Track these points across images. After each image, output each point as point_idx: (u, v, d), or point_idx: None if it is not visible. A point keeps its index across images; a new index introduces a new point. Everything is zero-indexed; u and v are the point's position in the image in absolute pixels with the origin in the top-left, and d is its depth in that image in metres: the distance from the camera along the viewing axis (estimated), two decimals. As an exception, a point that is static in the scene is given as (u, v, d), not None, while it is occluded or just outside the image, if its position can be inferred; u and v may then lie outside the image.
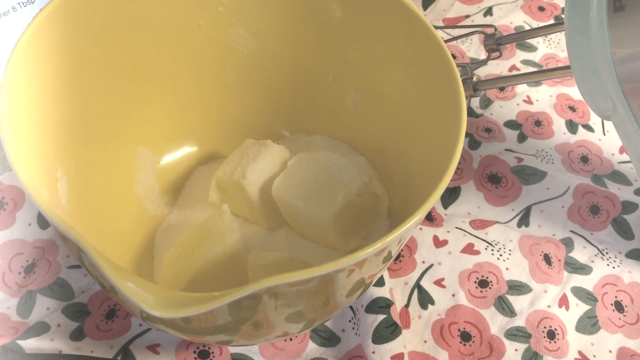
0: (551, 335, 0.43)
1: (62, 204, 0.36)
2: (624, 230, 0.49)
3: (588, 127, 0.56)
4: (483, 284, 0.45)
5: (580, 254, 0.48)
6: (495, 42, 0.50)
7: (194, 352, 0.41)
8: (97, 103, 0.41)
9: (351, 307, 0.44)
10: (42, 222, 0.44)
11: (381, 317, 0.42)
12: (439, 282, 0.45)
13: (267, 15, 0.43)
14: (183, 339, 0.40)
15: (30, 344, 0.39)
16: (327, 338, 0.43)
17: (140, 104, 0.44)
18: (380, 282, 0.44)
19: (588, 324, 0.44)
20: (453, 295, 0.45)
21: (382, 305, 0.43)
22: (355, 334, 0.43)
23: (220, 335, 0.34)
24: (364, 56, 0.42)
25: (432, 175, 0.34)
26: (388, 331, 0.41)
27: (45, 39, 0.35)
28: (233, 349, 0.42)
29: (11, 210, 0.44)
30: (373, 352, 0.40)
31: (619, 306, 0.45)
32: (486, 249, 0.47)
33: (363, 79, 0.44)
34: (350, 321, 0.44)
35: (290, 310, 0.33)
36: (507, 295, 0.45)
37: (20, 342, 0.39)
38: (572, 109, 0.57)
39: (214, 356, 0.41)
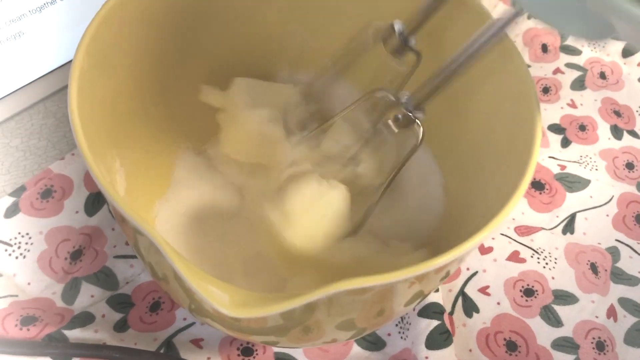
0: (600, 346, 0.41)
1: (121, 195, 0.36)
2: None
3: (633, 134, 0.53)
4: (528, 292, 0.43)
5: (627, 264, 0.45)
6: (400, 40, 0.35)
7: (238, 348, 0.39)
8: (160, 95, 0.40)
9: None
10: (89, 209, 0.43)
11: (435, 322, 0.40)
12: (483, 290, 0.43)
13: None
14: (229, 335, 0.39)
15: (75, 334, 0.38)
16: (373, 342, 0.41)
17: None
18: (436, 289, 0.42)
19: (637, 337, 0.42)
20: (498, 303, 0.42)
21: (436, 310, 0.40)
22: (402, 338, 0.41)
23: (268, 336, 0.33)
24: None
25: (505, 184, 0.31)
26: (442, 338, 0.39)
27: (115, 24, 0.34)
28: (277, 348, 0.40)
29: (59, 198, 0.43)
30: (426, 358, 0.39)
31: None
32: (532, 257, 0.44)
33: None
34: (397, 325, 0.41)
35: (342, 319, 0.31)
36: (553, 305, 0.42)
37: (66, 332, 0.38)
38: (617, 113, 0.54)
39: (257, 354, 0.39)
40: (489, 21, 0.30)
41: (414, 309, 0.41)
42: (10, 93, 0.46)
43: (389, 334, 0.41)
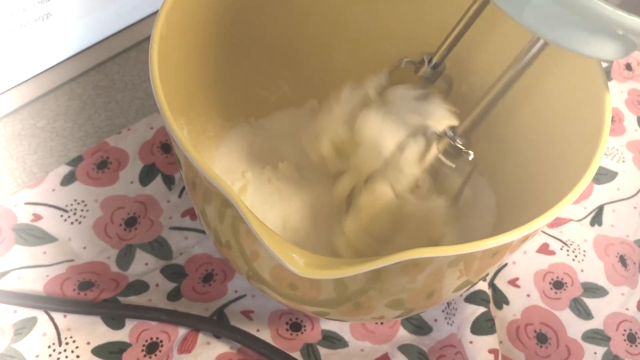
0: (632, 338, 0.40)
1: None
2: None
3: None
4: (558, 285, 0.41)
5: None
6: (429, 68, 0.37)
7: (287, 322, 0.39)
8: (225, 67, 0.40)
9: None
10: (144, 180, 0.43)
11: (482, 309, 0.38)
12: (513, 282, 0.41)
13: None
14: (279, 306, 0.39)
15: (129, 301, 0.39)
16: (419, 326, 0.40)
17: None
18: (484, 278, 0.40)
19: None
20: (528, 295, 0.41)
21: (483, 298, 0.39)
22: (448, 323, 0.39)
23: (319, 307, 0.33)
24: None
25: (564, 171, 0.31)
26: (488, 324, 0.38)
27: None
28: (324, 325, 0.39)
29: (115, 169, 0.43)
30: (471, 342, 0.37)
31: None
32: (561, 249, 0.43)
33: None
34: (443, 311, 0.40)
35: (392, 297, 0.31)
36: (582, 298, 0.41)
37: (121, 299, 0.39)
38: None
39: (305, 329, 0.39)
40: (528, 44, 0.28)
41: (460, 296, 0.39)
42: (37, 75, 0.44)
43: (436, 320, 0.40)
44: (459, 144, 0.33)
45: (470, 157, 0.33)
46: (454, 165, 0.33)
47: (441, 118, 0.36)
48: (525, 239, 0.28)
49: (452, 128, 0.33)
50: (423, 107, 0.37)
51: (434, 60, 0.37)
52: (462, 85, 0.41)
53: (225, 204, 0.27)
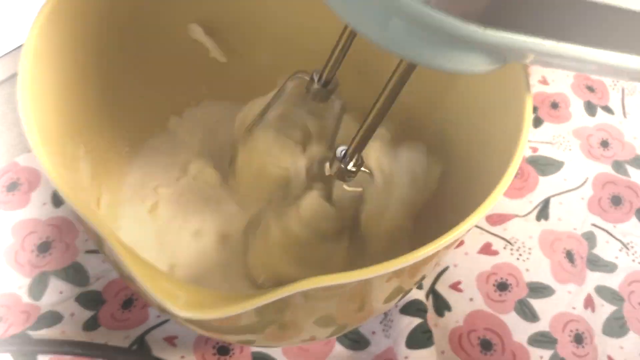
0: (578, 339, 0.38)
1: (84, 185, 0.34)
2: None
3: (607, 109, 0.49)
4: (502, 287, 0.39)
5: (604, 249, 0.42)
6: (319, 85, 0.35)
7: (214, 347, 0.37)
8: (121, 75, 0.37)
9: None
10: (56, 200, 0.41)
11: (417, 320, 0.37)
12: (455, 286, 0.39)
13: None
14: (203, 335, 0.36)
15: (40, 335, 0.36)
16: (356, 340, 0.38)
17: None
18: (420, 285, 0.39)
19: (616, 326, 0.38)
20: (471, 299, 0.39)
21: (419, 308, 0.37)
22: (385, 336, 0.37)
23: (243, 335, 0.31)
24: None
25: (489, 172, 0.29)
26: (424, 337, 0.36)
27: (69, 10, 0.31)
28: (255, 348, 0.37)
29: (26, 190, 0.41)
30: (406, 357, 0.35)
31: None
32: (505, 248, 0.41)
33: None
34: (381, 322, 0.38)
35: (320, 314, 0.29)
36: (528, 299, 0.39)
37: (31, 333, 0.36)
38: (590, 89, 0.50)
39: (234, 353, 0.37)
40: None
41: (396, 306, 0.37)
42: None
43: (374, 332, 0.38)
44: (350, 166, 0.30)
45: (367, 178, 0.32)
46: (351, 189, 0.32)
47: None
48: (436, 255, 0.26)
49: (341, 151, 0.31)
50: (310, 128, 0.35)
51: (324, 77, 0.34)
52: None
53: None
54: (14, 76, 0.44)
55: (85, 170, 0.35)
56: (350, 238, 0.34)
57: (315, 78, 0.34)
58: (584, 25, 0.21)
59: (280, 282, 0.32)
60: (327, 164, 0.31)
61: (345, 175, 0.31)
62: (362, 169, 0.31)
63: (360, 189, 0.33)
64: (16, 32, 0.44)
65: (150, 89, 0.39)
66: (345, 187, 0.32)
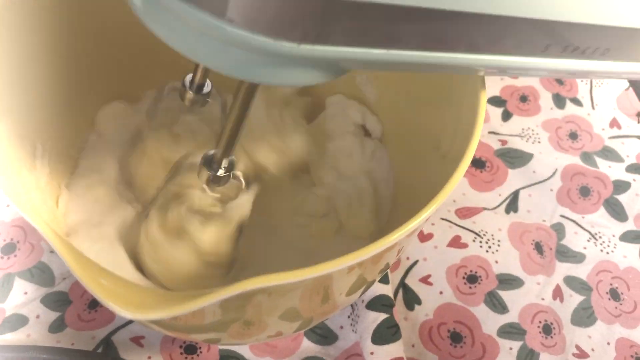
0: (547, 330, 0.38)
1: (42, 184, 0.34)
2: (617, 212, 0.43)
3: (576, 101, 0.49)
4: (472, 279, 0.39)
5: (572, 240, 0.42)
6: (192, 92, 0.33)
7: (180, 346, 0.36)
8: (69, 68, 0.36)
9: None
10: None
11: (383, 316, 0.36)
12: (425, 280, 0.39)
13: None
14: (169, 335, 0.36)
15: (5, 339, 0.36)
16: (324, 335, 0.38)
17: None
18: (385, 279, 0.38)
19: (584, 316, 0.39)
20: (441, 293, 0.39)
21: (385, 303, 0.37)
22: (353, 331, 0.37)
23: (207, 333, 0.30)
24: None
25: (444, 163, 0.29)
26: (389, 332, 0.36)
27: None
28: (222, 346, 0.37)
29: None
30: (371, 353, 0.35)
31: (614, 294, 0.40)
32: (474, 240, 0.41)
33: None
34: (348, 317, 0.38)
35: (284, 308, 0.28)
36: (497, 291, 0.39)
37: None
38: (559, 81, 0.50)
39: (201, 352, 0.36)
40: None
41: (362, 301, 0.37)
42: None
43: (342, 327, 0.38)
44: (220, 172, 0.30)
45: (239, 178, 0.32)
46: (217, 195, 0.32)
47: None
48: (396, 245, 0.26)
49: (209, 157, 0.31)
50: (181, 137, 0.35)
51: (196, 82, 0.32)
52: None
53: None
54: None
55: (42, 169, 0.34)
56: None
57: (187, 86, 0.33)
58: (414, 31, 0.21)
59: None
60: (197, 172, 0.31)
61: (216, 182, 0.31)
62: (236, 172, 0.31)
63: (236, 192, 0.33)
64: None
65: (102, 83, 0.38)
66: (210, 192, 0.32)
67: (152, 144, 0.37)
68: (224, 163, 0.30)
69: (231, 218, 0.33)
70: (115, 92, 0.40)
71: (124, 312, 0.22)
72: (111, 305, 0.22)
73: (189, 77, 0.33)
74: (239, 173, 0.32)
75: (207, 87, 0.33)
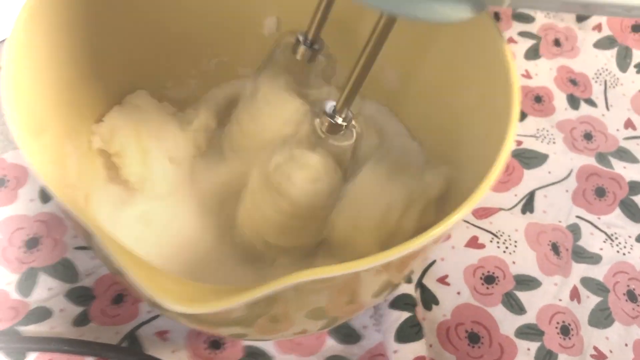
0: (565, 331, 0.38)
1: (72, 181, 0.34)
2: (633, 212, 0.43)
3: (590, 102, 0.49)
4: (489, 280, 0.39)
5: (588, 241, 0.42)
6: (306, 47, 0.36)
7: (205, 341, 0.36)
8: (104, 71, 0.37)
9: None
10: (45, 196, 0.41)
11: (406, 314, 0.36)
12: (442, 280, 0.39)
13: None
14: (195, 329, 0.36)
15: (29, 331, 0.36)
16: (348, 334, 0.38)
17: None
18: (408, 279, 0.38)
19: (601, 317, 0.39)
20: (458, 293, 0.39)
21: (408, 302, 0.37)
22: (376, 330, 0.37)
23: (234, 328, 0.30)
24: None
25: (480, 159, 0.29)
26: (412, 331, 0.36)
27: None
28: (247, 341, 0.37)
29: (13, 187, 0.41)
30: (395, 352, 0.35)
31: (631, 295, 0.40)
32: (491, 241, 0.41)
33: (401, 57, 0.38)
34: (371, 317, 0.38)
35: (311, 307, 0.29)
36: (515, 291, 0.39)
37: (19, 329, 0.36)
38: (574, 82, 0.50)
39: (225, 347, 0.36)
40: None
41: (385, 300, 0.37)
42: None
43: (365, 327, 0.38)
44: (339, 121, 0.31)
45: (355, 131, 0.32)
46: (338, 144, 0.32)
47: (319, 98, 0.35)
48: (425, 248, 0.26)
49: (330, 106, 0.32)
50: (300, 89, 0.36)
51: (309, 38, 0.35)
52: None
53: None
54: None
55: (72, 167, 0.34)
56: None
57: (301, 39, 0.35)
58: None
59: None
60: (318, 120, 0.32)
61: (334, 130, 0.31)
62: (352, 123, 0.32)
63: (350, 142, 0.33)
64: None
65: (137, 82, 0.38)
66: (333, 141, 0.32)
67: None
68: (344, 113, 0.31)
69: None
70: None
71: (176, 306, 0.22)
72: (161, 300, 0.22)
73: (301, 33, 0.35)
74: (355, 124, 0.32)
75: (319, 45, 0.36)
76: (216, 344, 0.37)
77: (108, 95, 0.38)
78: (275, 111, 0.36)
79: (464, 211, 0.25)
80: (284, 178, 0.32)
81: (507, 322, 0.38)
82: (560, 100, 0.49)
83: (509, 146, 0.27)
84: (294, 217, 0.33)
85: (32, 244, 0.39)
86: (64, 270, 0.39)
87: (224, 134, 0.39)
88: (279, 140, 0.35)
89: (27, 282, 0.38)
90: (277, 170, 0.32)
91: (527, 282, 0.39)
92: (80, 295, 0.38)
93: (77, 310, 0.37)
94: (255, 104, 0.36)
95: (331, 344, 0.37)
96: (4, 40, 0.40)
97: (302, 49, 0.35)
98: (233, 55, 0.42)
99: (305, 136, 0.33)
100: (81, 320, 0.37)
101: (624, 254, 0.41)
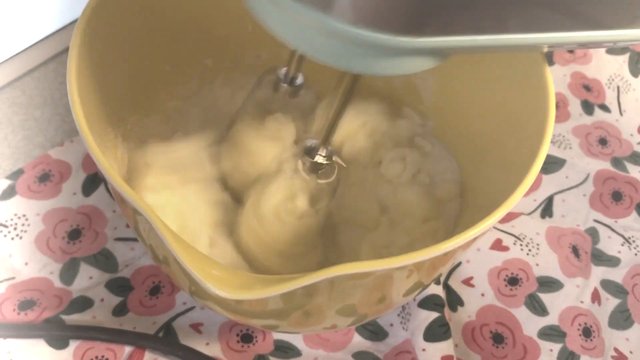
0: (587, 332, 0.39)
1: (122, 172, 0.36)
2: None
3: (604, 107, 0.50)
4: (513, 281, 0.40)
5: (606, 244, 0.43)
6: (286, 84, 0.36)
7: (237, 334, 0.38)
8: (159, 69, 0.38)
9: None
10: (86, 190, 0.42)
11: (435, 314, 0.37)
12: (467, 282, 0.40)
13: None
14: (229, 318, 0.37)
15: (73, 319, 0.37)
16: (374, 332, 0.38)
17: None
18: (437, 280, 0.39)
19: (621, 319, 0.40)
20: (482, 295, 0.39)
21: (437, 302, 0.38)
22: (403, 328, 0.38)
23: (268, 319, 0.32)
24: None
25: (509, 169, 0.30)
26: (441, 330, 0.37)
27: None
28: (277, 335, 0.38)
29: (57, 181, 0.42)
30: (423, 350, 0.36)
31: None
32: (514, 244, 0.41)
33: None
34: (399, 315, 0.39)
35: (342, 304, 0.29)
36: (538, 293, 0.40)
37: (64, 317, 0.37)
38: (587, 88, 0.51)
39: (257, 341, 0.37)
40: None
41: (414, 299, 0.38)
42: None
43: (392, 324, 0.39)
44: (320, 158, 0.32)
45: (335, 169, 0.33)
46: (323, 182, 0.34)
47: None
48: (469, 244, 0.27)
49: (310, 146, 0.32)
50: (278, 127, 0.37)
51: (290, 74, 0.35)
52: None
53: (143, 218, 0.26)
54: (15, 80, 0.44)
55: (122, 158, 0.36)
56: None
57: (282, 77, 0.35)
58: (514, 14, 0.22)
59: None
60: (300, 161, 0.33)
61: (316, 168, 0.32)
62: (334, 159, 0.33)
63: (332, 179, 0.34)
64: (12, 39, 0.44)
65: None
66: (317, 179, 0.33)
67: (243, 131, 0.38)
68: (324, 152, 0.32)
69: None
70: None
71: (220, 292, 0.24)
72: (209, 286, 0.24)
73: (283, 70, 0.35)
74: (336, 159, 0.33)
75: (300, 80, 0.36)
76: (248, 337, 0.38)
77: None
78: (256, 158, 0.37)
79: (498, 216, 0.27)
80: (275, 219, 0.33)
81: (530, 323, 0.39)
82: (574, 106, 0.50)
83: (542, 156, 0.29)
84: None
85: (74, 235, 0.41)
86: (105, 260, 0.40)
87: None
88: (265, 176, 0.36)
89: (69, 272, 0.39)
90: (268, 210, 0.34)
91: (549, 284, 0.40)
92: (120, 286, 0.39)
93: (116, 300, 0.39)
94: (236, 151, 0.37)
95: (358, 340, 0.38)
96: (74, 22, 0.41)
97: (283, 87, 0.36)
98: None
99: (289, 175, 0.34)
100: (120, 310, 0.38)
101: (642, 256, 0.43)
